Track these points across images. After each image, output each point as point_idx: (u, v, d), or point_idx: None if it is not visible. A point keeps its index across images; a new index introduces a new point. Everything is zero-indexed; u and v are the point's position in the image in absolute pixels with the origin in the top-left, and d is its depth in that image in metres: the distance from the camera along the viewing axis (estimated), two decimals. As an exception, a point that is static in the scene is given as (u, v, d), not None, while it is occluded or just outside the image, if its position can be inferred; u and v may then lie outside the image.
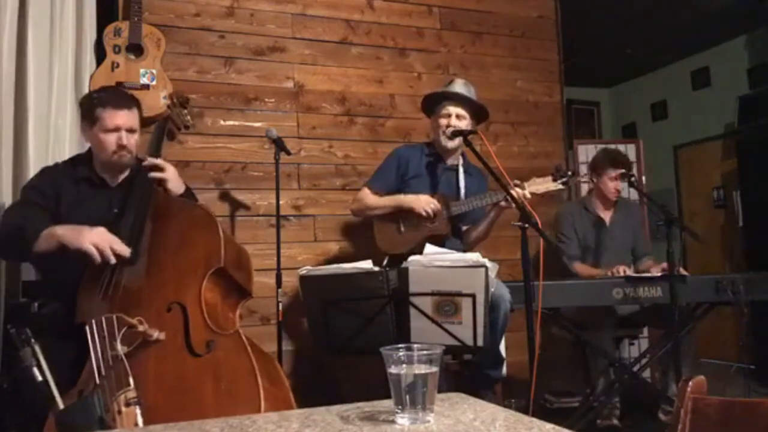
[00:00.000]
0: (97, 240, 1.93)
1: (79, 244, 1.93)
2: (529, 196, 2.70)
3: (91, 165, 2.28)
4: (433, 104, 2.95)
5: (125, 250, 1.96)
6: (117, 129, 2.17)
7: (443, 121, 2.85)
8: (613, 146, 4.93)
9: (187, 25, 3.29)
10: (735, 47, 5.75)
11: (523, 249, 2.28)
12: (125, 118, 2.19)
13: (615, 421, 3.16)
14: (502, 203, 2.72)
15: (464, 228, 2.96)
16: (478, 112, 2.94)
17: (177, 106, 2.46)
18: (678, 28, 5.33)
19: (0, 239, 2.13)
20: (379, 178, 2.96)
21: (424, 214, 2.75)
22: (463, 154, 2.98)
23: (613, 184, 3.38)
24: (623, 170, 3.34)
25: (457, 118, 2.83)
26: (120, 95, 2.26)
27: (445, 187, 2.90)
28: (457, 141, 2.83)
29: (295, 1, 3.53)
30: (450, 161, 2.95)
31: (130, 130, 2.20)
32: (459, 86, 2.90)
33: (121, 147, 2.18)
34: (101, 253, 1.92)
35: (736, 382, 4.05)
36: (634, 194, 4.18)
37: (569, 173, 2.85)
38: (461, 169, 2.93)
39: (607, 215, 3.49)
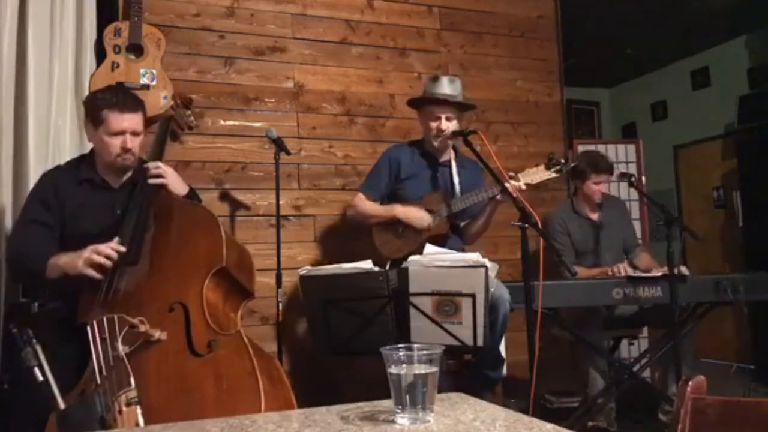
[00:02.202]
0: (88, 256, 1.97)
1: (79, 271, 1.98)
2: (524, 187, 2.70)
3: (93, 166, 2.28)
4: (421, 103, 2.93)
5: (118, 249, 1.99)
6: (122, 132, 2.18)
7: (433, 124, 2.84)
8: (611, 146, 4.96)
9: (187, 25, 3.29)
10: (735, 47, 5.75)
11: (523, 249, 2.28)
12: (130, 121, 2.19)
13: (601, 420, 3.14)
14: (498, 197, 2.71)
15: (462, 224, 2.96)
16: (465, 106, 2.95)
17: (180, 107, 2.46)
18: (678, 28, 5.34)
19: (9, 269, 2.27)
20: (373, 183, 2.96)
21: (418, 227, 2.76)
22: (454, 148, 2.97)
23: (597, 188, 3.42)
24: (606, 175, 3.40)
25: (446, 120, 2.83)
26: (126, 97, 2.24)
27: (440, 185, 2.90)
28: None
29: (295, 1, 3.53)
30: (442, 158, 2.94)
31: (134, 134, 2.21)
32: (446, 86, 2.85)
33: (125, 150, 2.19)
34: (99, 267, 1.97)
35: (736, 382, 4.05)
36: (633, 193, 4.19)
37: (562, 161, 2.84)
38: (454, 164, 2.91)
39: (595, 215, 3.52)
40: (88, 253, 1.97)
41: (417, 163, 2.94)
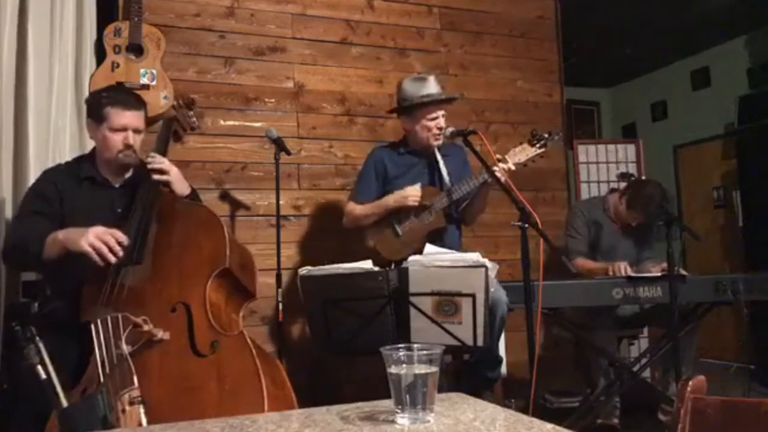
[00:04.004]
0: (93, 239, 1.94)
1: (79, 247, 1.95)
2: (513, 168, 2.72)
3: (94, 164, 2.29)
4: (419, 106, 2.87)
5: (123, 238, 1.98)
6: (124, 129, 2.20)
7: (431, 124, 2.83)
8: (611, 146, 4.95)
9: (187, 25, 3.29)
10: (735, 47, 5.75)
11: (523, 249, 2.28)
12: (132, 118, 2.21)
13: (615, 421, 3.17)
14: (489, 180, 2.70)
15: (459, 209, 2.96)
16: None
17: (183, 108, 2.46)
18: (678, 28, 5.34)
19: (8, 256, 2.21)
20: (362, 189, 2.94)
21: (415, 204, 2.75)
22: None
23: (630, 219, 3.34)
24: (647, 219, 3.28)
25: (443, 117, 2.84)
26: (128, 95, 2.28)
27: (428, 179, 2.90)
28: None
29: (295, 1, 3.53)
30: (426, 152, 2.92)
31: (136, 131, 2.23)
32: (434, 86, 2.85)
33: (127, 147, 2.21)
34: (99, 252, 1.94)
35: (736, 382, 4.05)
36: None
37: (545, 135, 2.82)
38: (438, 156, 2.90)
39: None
40: (93, 236, 1.94)
41: (403, 162, 2.94)
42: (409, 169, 2.92)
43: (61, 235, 2.02)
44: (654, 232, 3.60)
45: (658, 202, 3.15)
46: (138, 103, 2.26)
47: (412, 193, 2.76)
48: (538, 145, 2.81)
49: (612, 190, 3.59)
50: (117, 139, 2.20)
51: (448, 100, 2.88)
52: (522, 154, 2.79)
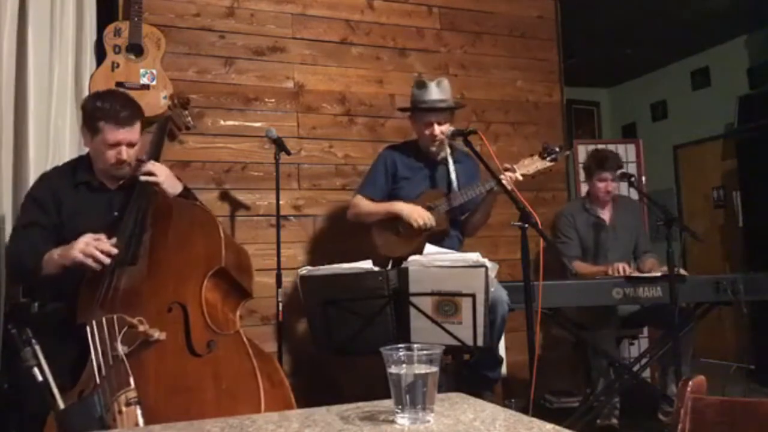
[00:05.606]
0: (83, 247, 1.96)
1: (72, 259, 1.96)
2: (520, 178, 2.71)
3: (90, 169, 2.28)
4: (411, 110, 2.92)
5: (112, 249, 1.98)
6: (117, 144, 2.17)
7: (426, 131, 2.85)
8: (611, 146, 4.95)
9: (187, 25, 3.29)
10: (735, 47, 5.75)
11: (523, 249, 2.27)
12: (126, 134, 2.18)
13: (614, 421, 3.17)
14: (495, 188, 2.70)
15: (462, 217, 2.96)
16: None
17: (177, 107, 2.46)
18: (678, 28, 5.34)
19: (8, 272, 2.17)
20: (370, 185, 2.95)
21: (416, 225, 2.74)
22: (450, 144, 2.95)
23: (602, 185, 3.39)
24: (610, 172, 3.35)
25: (438, 125, 2.82)
26: (123, 107, 2.19)
27: (437, 182, 2.90)
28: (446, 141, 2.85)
29: (295, 1, 3.53)
30: (438, 156, 2.92)
31: (130, 145, 2.20)
32: (434, 92, 2.82)
33: (119, 162, 2.19)
34: (93, 258, 1.95)
35: (736, 382, 4.05)
36: (634, 193, 4.19)
37: (556, 149, 2.83)
38: (450, 160, 2.90)
39: (606, 215, 3.49)
40: (83, 244, 1.96)
41: (413, 163, 2.94)
42: (418, 172, 2.93)
43: (56, 254, 2.04)
44: (639, 215, 3.63)
45: (613, 156, 3.41)
46: (133, 117, 2.20)
47: (422, 216, 2.73)
48: (548, 159, 2.81)
49: (588, 191, 3.61)
50: (110, 154, 2.18)
51: (439, 109, 2.83)
52: (531, 166, 2.79)
